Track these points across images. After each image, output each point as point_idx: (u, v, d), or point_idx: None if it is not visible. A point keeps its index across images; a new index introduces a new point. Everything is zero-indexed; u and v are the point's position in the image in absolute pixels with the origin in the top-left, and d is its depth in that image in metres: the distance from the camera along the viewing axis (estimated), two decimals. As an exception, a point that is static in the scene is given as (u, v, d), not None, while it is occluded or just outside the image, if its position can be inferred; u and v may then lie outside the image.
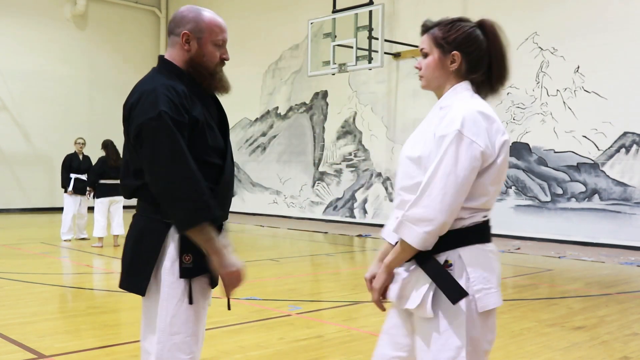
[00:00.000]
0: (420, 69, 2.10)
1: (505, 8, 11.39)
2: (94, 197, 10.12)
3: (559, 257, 9.37)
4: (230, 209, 2.44)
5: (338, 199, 14.75)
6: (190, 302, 2.18)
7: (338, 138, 14.82)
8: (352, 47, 11.77)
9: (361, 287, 6.84)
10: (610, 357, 4.30)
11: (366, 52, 11.73)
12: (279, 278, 7.38)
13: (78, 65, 17.60)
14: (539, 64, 11.38)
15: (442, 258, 1.96)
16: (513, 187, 11.59)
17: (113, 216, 9.97)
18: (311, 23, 12.63)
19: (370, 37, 11.65)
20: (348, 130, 14.62)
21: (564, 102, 11.11)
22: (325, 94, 15.14)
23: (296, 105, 15.81)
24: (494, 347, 2.03)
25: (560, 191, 11.11)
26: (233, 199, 2.47)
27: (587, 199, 10.76)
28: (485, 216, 2.02)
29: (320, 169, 15.17)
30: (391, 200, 13.62)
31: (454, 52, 2.03)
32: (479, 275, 1.94)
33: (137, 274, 2.22)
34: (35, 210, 16.54)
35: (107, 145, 10.04)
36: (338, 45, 12.00)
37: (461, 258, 1.95)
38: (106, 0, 18.19)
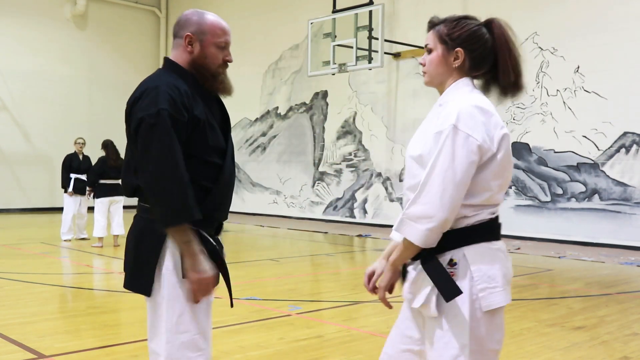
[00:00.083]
0: (424, 64, 2.11)
1: (505, 8, 11.38)
2: (93, 197, 10.12)
3: (559, 257, 9.37)
4: (230, 209, 2.44)
5: (338, 199, 14.75)
6: (196, 300, 2.20)
7: (338, 138, 14.83)
8: (352, 47, 11.77)
9: (361, 287, 6.83)
10: (610, 357, 4.30)
11: (366, 52, 11.73)
12: (279, 278, 7.38)
13: (78, 65, 17.60)
14: (539, 64, 11.38)
15: (447, 257, 1.96)
16: (513, 187, 11.59)
17: (113, 216, 9.97)
18: (311, 23, 12.63)
19: (370, 37, 11.65)
20: (348, 130, 14.62)
21: (564, 102, 11.12)
22: (325, 94, 15.14)
23: (296, 105, 15.81)
24: (494, 347, 2.03)
25: (560, 191, 11.11)
26: (233, 199, 2.47)
27: (587, 199, 10.76)
28: (492, 213, 2.01)
29: (320, 169, 15.17)
30: (391, 201, 13.63)
31: (458, 48, 2.04)
32: (483, 274, 1.94)
33: (141, 275, 2.23)
34: (35, 210, 16.54)
35: (107, 145, 10.04)
36: (338, 45, 12.00)
37: (465, 257, 1.95)
38: (106, 0, 18.19)
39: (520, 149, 11.52)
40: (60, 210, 11.20)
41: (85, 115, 17.51)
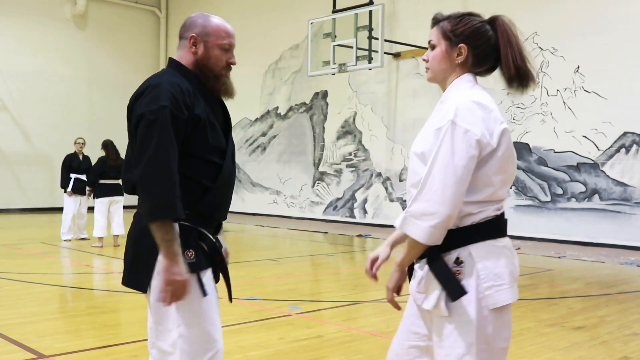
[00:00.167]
0: (427, 60, 2.12)
1: (505, 8, 11.35)
2: (93, 197, 10.12)
3: (559, 257, 9.37)
4: (230, 209, 2.44)
5: (338, 199, 14.75)
6: (205, 294, 2.21)
7: (338, 138, 14.83)
8: (352, 47, 11.76)
9: (361, 287, 6.84)
10: (610, 357, 4.30)
11: (366, 52, 11.73)
12: (279, 278, 7.38)
13: (78, 65, 17.60)
14: (539, 64, 11.38)
15: (453, 255, 1.96)
16: (513, 187, 11.59)
17: (113, 216, 9.97)
18: (311, 23, 12.63)
19: (370, 37, 11.65)
20: (348, 130, 14.62)
21: (564, 102, 11.12)
22: (325, 94, 15.14)
23: (296, 105, 15.81)
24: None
25: (560, 191, 11.11)
26: (233, 199, 2.47)
27: (587, 199, 10.76)
28: (498, 209, 2.01)
29: (320, 169, 15.17)
30: (391, 201, 13.63)
31: (461, 44, 2.04)
32: (490, 272, 1.94)
33: (138, 272, 2.24)
34: (35, 210, 16.54)
35: (107, 145, 10.04)
36: (338, 45, 12.00)
37: (471, 255, 1.95)
38: (106, 0, 18.19)
39: (520, 149, 11.51)
40: (60, 210, 11.20)
41: (85, 115, 17.50)
